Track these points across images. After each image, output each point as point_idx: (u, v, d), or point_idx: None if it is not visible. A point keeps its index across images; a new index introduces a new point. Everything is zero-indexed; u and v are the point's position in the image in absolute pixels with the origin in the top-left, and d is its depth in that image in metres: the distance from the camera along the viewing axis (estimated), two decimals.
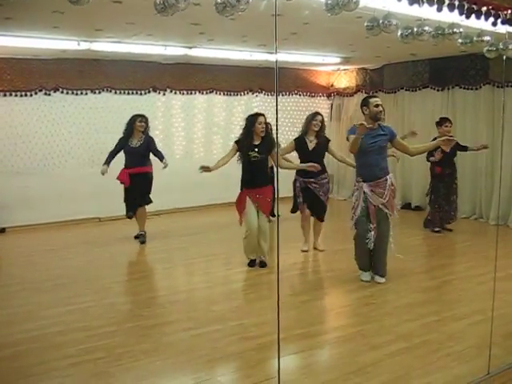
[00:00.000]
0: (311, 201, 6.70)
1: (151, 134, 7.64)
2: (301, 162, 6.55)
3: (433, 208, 7.95)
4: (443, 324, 4.55)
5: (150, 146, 7.47)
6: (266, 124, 6.05)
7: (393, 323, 4.56)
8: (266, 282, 5.75)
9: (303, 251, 6.92)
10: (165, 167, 7.40)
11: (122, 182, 7.37)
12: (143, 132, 7.43)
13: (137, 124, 7.35)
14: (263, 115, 6.07)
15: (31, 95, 8.46)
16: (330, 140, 6.75)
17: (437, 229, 7.92)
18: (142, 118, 7.43)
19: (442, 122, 7.79)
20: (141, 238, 7.61)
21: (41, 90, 8.53)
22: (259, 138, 6.02)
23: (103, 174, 7.20)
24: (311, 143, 6.59)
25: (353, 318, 4.83)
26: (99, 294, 5.43)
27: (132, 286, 5.94)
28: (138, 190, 7.36)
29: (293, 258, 6.65)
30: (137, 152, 7.35)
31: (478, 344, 4.06)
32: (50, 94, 8.61)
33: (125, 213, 7.56)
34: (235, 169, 6.19)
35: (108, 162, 7.31)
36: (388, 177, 5.48)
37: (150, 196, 7.56)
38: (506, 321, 4.48)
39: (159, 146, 7.69)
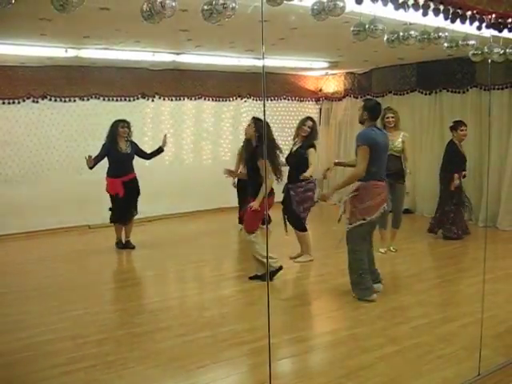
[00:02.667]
0: (285, 207, 6.55)
1: (140, 140, 7.62)
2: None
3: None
4: (433, 326, 4.57)
5: (137, 150, 7.46)
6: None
7: (384, 326, 4.58)
8: (257, 287, 5.74)
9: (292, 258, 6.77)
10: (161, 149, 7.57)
11: (114, 194, 7.25)
12: (127, 138, 7.35)
13: (119, 130, 7.23)
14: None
15: (19, 103, 8.41)
16: (312, 146, 6.48)
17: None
18: (124, 123, 7.31)
19: (457, 125, 7.62)
20: (129, 244, 7.57)
21: (28, 98, 8.48)
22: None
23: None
24: (294, 147, 6.59)
25: (343, 321, 4.84)
26: (90, 301, 5.40)
27: (122, 293, 5.91)
28: (131, 198, 7.34)
29: (283, 263, 6.64)
30: (128, 158, 7.31)
31: (468, 346, 4.08)
32: (37, 102, 8.57)
33: (111, 221, 7.53)
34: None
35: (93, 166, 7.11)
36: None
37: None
38: (496, 322, 4.51)
39: (148, 152, 7.65)
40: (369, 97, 9.62)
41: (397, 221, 7.02)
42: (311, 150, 6.47)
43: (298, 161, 6.48)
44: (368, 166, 5.14)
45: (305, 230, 6.59)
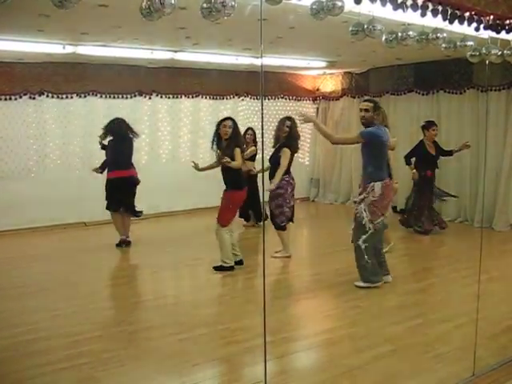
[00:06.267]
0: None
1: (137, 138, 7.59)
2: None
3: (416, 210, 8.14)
4: (429, 326, 4.58)
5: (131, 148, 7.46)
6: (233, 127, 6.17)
7: (379, 326, 4.58)
8: (252, 285, 5.75)
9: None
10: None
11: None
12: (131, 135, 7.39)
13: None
14: (230, 119, 6.25)
15: (16, 99, 8.39)
16: (287, 146, 6.55)
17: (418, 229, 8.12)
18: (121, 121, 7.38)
19: (428, 125, 8.01)
20: (125, 242, 7.54)
21: (26, 94, 8.45)
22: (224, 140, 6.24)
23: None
24: (275, 146, 6.67)
25: (340, 321, 4.83)
26: (84, 299, 5.39)
27: (118, 290, 5.91)
28: (114, 194, 7.30)
29: (278, 261, 6.65)
30: (116, 152, 7.32)
31: (463, 346, 4.08)
32: (34, 98, 8.55)
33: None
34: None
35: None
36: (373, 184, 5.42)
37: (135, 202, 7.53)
38: (491, 323, 4.51)
39: (145, 149, 7.61)
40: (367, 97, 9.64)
41: None
42: (285, 149, 6.53)
43: (275, 161, 6.59)
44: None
45: (279, 227, 6.65)
